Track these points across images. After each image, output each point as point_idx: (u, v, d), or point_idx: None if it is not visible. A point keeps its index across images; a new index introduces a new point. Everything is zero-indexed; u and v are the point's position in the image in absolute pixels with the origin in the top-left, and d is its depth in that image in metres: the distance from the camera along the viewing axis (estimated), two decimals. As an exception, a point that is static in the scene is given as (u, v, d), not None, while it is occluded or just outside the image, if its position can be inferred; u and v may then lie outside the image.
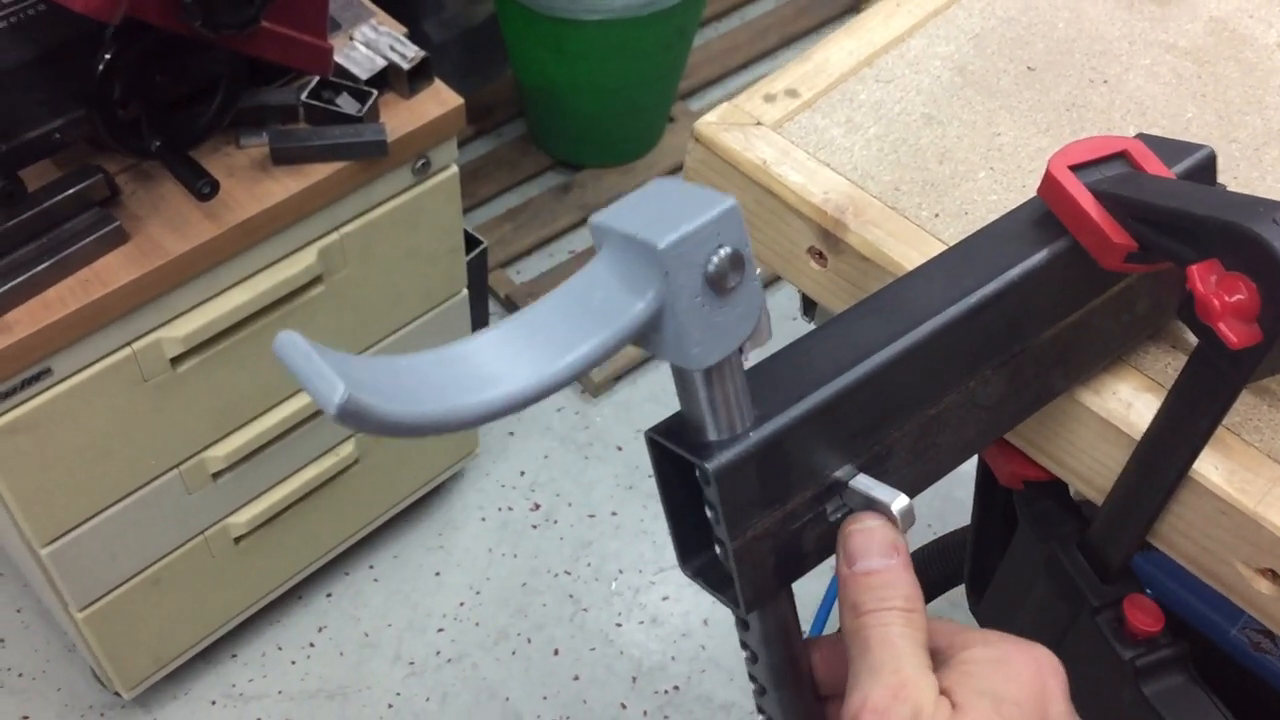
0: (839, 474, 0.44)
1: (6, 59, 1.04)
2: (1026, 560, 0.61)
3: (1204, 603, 1.20)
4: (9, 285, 1.07)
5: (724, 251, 0.37)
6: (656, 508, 1.78)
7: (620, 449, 1.89)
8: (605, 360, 0.37)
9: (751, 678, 0.46)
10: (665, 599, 1.74)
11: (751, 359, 0.42)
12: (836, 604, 0.43)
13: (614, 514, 1.82)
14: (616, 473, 1.87)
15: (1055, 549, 0.57)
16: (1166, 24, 0.68)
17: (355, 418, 0.30)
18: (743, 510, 0.42)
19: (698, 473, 0.42)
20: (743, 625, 0.46)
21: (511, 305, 2.01)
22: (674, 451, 0.43)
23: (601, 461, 1.88)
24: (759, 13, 2.50)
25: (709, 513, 0.43)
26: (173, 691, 1.62)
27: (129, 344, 1.17)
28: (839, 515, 0.45)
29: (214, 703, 1.61)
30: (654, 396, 1.94)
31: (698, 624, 1.71)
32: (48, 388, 1.14)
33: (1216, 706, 0.55)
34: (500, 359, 0.35)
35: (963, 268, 0.48)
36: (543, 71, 2.03)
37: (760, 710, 0.47)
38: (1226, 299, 0.42)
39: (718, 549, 0.44)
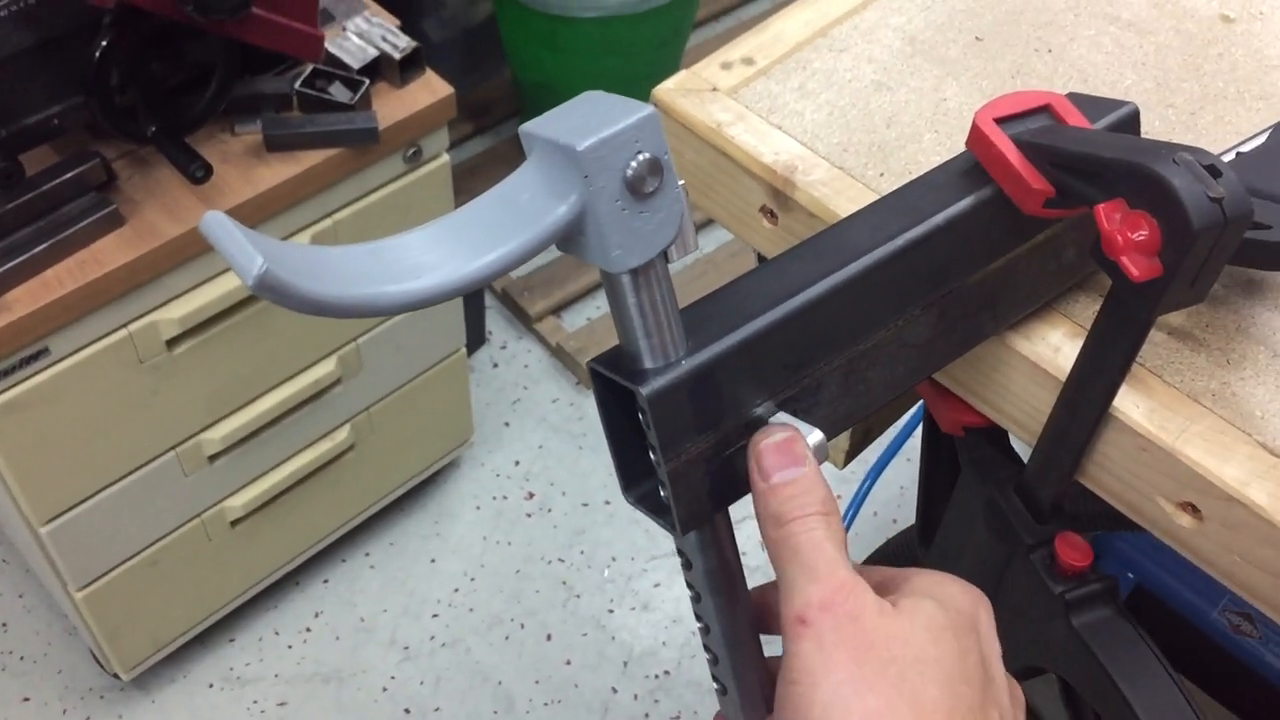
0: (760, 411, 0.47)
1: (7, 46, 1.08)
2: (968, 505, 0.63)
3: (1185, 586, 1.22)
4: (8, 265, 1.10)
5: (642, 157, 0.39)
6: (648, 496, 1.80)
7: (614, 439, 1.92)
8: (528, 259, 0.39)
9: (688, 585, 0.49)
10: (657, 586, 1.76)
11: (688, 295, 0.45)
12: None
13: (607, 503, 1.85)
14: (610, 463, 1.88)
15: (993, 492, 0.60)
16: (1111, -3, 0.71)
17: (274, 291, 0.33)
18: (676, 434, 0.45)
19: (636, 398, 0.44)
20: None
21: (507, 298, 2.04)
22: (614, 380, 0.45)
23: (595, 452, 1.91)
24: (755, 13, 2.53)
25: (646, 436, 0.45)
26: (171, 674, 1.64)
27: (125, 325, 1.20)
28: None
29: (211, 685, 1.64)
30: (647, 388, 1.97)
31: (688, 610, 1.74)
32: (46, 367, 1.17)
33: (1141, 637, 0.57)
34: (428, 253, 0.38)
35: (894, 213, 0.51)
36: (539, 68, 2.06)
37: (698, 617, 0.49)
38: (1130, 235, 0.44)
39: (657, 473, 0.47)
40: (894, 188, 0.60)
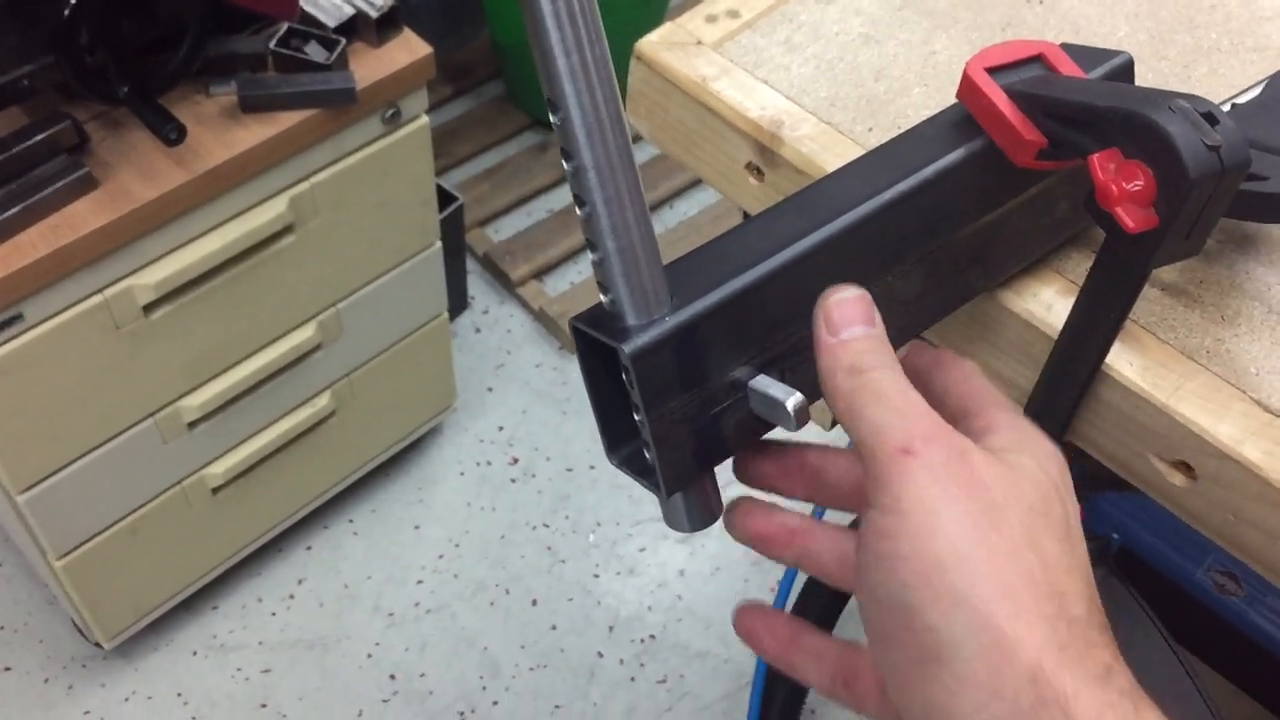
0: (738, 374, 0.45)
1: (-27, 5, 1.05)
2: (958, 466, 0.62)
3: (1170, 547, 1.23)
4: (-22, 230, 1.08)
5: None
6: (633, 461, 1.80)
7: (598, 404, 1.91)
8: None
9: (564, 152, 0.42)
10: (642, 550, 1.76)
11: (671, 257, 0.43)
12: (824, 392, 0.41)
13: (591, 468, 1.84)
14: (594, 427, 1.88)
15: (983, 452, 0.59)
16: (1103, -53, 0.69)
17: None
18: (660, 393, 0.44)
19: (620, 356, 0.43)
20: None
21: (489, 263, 2.02)
22: (597, 339, 0.44)
23: (579, 416, 1.90)
24: (738, -27, 2.50)
25: (630, 396, 0.44)
26: (154, 643, 1.63)
27: (100, 290, 1.18)
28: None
29: (195, 653, 1.63)
30: (631, 352, 1.96)
31: (674, 574, 1.73)
32: (20, 333, 1.15)
33: (1133, 596, 0.56)
34: None
35: (882, 166, 0.49)
36: (519, 30, 2.03)
37: (578, 201, 0.42)
38: (1125, 186, 0.43)
39: (641, 434, 0.45)
40: (882, 142, 0.59)
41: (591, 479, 1.83)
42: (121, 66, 1.13)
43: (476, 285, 2.03)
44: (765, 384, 0.45)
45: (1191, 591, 1.20)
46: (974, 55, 0.50)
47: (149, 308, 1.23)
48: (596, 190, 0.41)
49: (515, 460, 1.85)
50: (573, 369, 1.94)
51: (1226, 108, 0.57)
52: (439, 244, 1.52)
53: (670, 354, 0.43)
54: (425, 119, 1.36)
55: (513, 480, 1.83)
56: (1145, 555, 1.22)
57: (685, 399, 0.45)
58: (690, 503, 0.48)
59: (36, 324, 1.16)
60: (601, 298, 0.44)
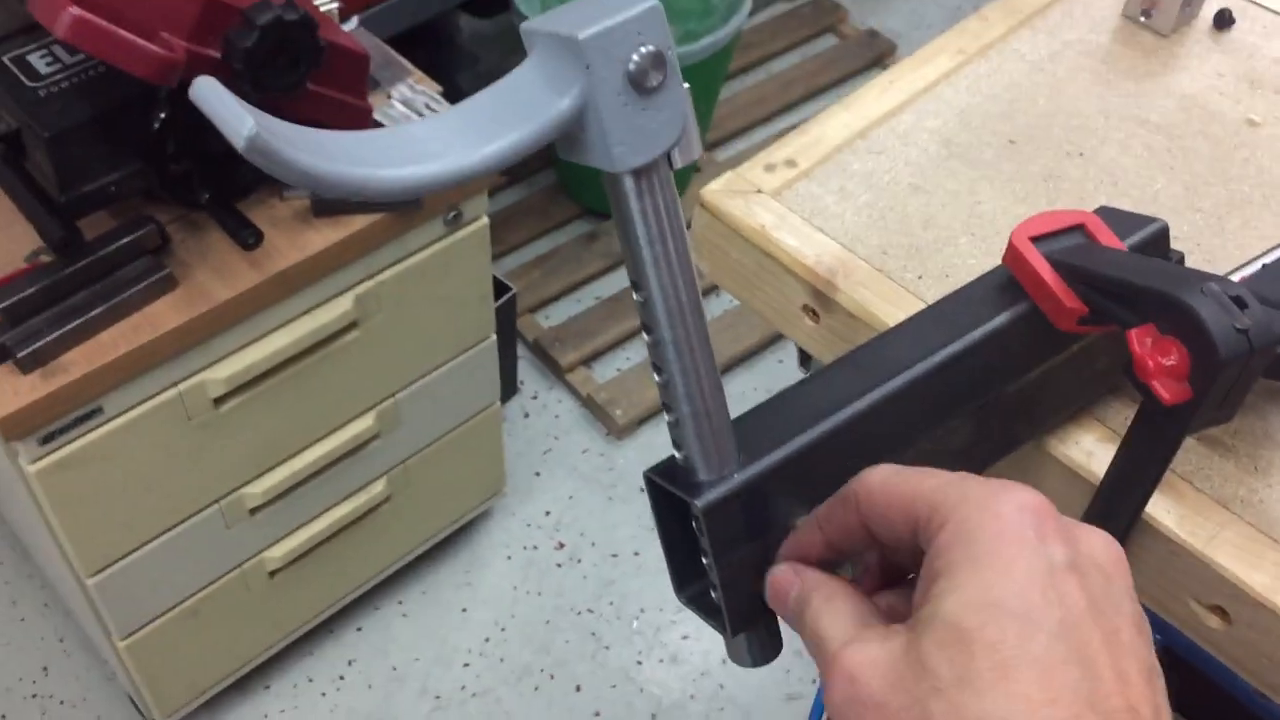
0: (800, 523, 0.49)
1: (68, 116, 1.12)
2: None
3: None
4: (66, 328, 1.14)
5: (645, 49, 0.38)
6: (678, 548, 1.82)
7: (643, 490, 1.94)
8: (529, 152, 0.39)
9: (644, 325, 0.46)
10: (685, 638, 1.78)
11: (718, 344, 0.47)
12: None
13: (636, 554, 1.87)
14: (639, 513, 1.92)
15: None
16: (1140, 100, 0.73)
17: (264, 155, 0.33)
18: (729, 542, 0.48)
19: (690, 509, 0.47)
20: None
21: (539, 349, 2.07)
22: (669, 490, 0.48)
23: (625, 503, 1.93)
24: (785, 66, 2.57)
25: (700, 544, 0.48)
26: (207, 720, 1.67)
27: (175, 385, 1.24)
28: None
29: (247, 732, 1.67)
30: (677, 440, 1.99)
31: (716, 663, 1.75)
32: (98, 425, 1.20)
33: None
34: (429, 143, 0.37)
35: (933, 327, 0.53)
36: (573, 124, 2.10)
37: (656, 369, 0.46)
38: (1160, 360, 0.47)
39: (709, 577, 0.49)
40: (931, 290, 0.63)
41: (636, 565, 1.86)
42: (204, 175, 1.19)
43: (526, 371, 2.08)
44: None
45: (1236, 695, 1.20)
46: (1019, 224, 0.54)
47: (219, 400, 1.29)
48: (675, 362, 0.45)
49: (561, 545, 1.88)
50: (619, 455, 1.98)
51: (1258, 265, 0.61)
52: (494, 337, 1.57)
53: (738, 507, 0.47)
54: (485, 220, 1.42)
55: (558, 565, 1.86)
56: (1189, 658, 1.23)
57: (751, 546, 0.48)
58: (753, 640, 0.51)
59: (114, 416, 1.21)
60: (675, 453, 0.48)
